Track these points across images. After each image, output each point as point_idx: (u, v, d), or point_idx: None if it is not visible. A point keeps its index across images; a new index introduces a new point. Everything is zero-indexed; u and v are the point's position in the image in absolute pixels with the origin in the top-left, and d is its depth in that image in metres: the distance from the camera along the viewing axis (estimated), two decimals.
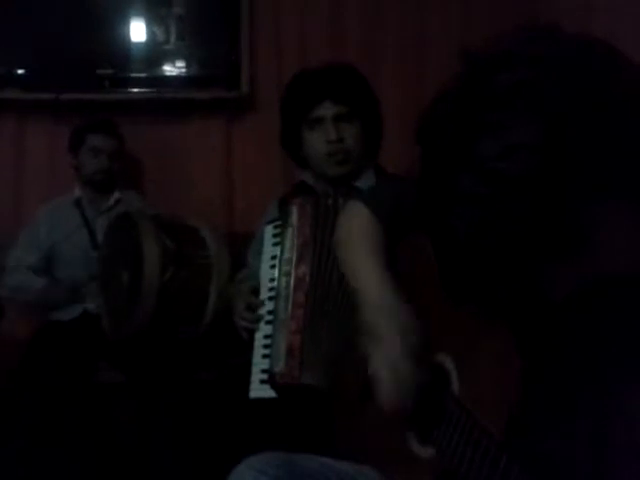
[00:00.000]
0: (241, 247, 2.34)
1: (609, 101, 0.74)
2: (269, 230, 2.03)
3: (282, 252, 1.93)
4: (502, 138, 0.73)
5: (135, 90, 3.13)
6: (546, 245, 0.75)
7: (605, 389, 0.77)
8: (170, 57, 3.13)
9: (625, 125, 0.74)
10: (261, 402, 1.89)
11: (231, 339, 2.14)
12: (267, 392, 1.86)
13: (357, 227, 1.25)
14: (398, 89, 3.22)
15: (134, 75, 3.12)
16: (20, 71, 3.07)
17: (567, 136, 0.72)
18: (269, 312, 1.94)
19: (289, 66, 2.91)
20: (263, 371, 1.89)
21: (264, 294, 1.98)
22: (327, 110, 2.06)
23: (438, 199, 0.80)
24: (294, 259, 1.90)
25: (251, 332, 2.01)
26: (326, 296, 1.83)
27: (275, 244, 1.98)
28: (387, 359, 1.05)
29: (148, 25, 3.12)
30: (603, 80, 0.75)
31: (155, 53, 3.13)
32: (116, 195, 2.96)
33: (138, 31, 3.11)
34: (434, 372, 1.05)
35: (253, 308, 2.00)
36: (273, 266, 1.96)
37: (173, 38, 3.12)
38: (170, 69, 3.14)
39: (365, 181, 2.11)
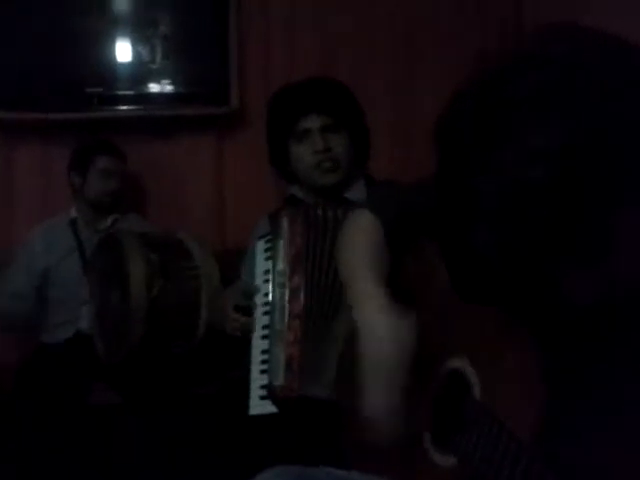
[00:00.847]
0: (233, 264, 2.32)
1: (631, 103, 0.72)
2: (261, 245, 2.02)
3: (275, 265, 1.92)
4: (523, 143, 0.72)
5: (124, 108, 3.11)
6: (567, 252, 0.74)
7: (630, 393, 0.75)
8: (156, 76, 3.12)
9: None
10: (263, 417, 1.86)
11: (229, 352, 2.12)
12: (267, 408, 1.84)
13: (361, 235, 1.22)
14: (390, 103, 3.21)
15: (121, 93, 3.10)
16: (7, 91, 3.04)
17: (589, 141, 0.70)
18: (265, 327, 1.92)
19: (279, 80, 2.89)
20: (262, 387, 1.86)
21: (259, 309, 1.96)
22: (313, 122, 2.08)
23: (456, 206, 0.78)
24: (287, 270, 1.88)
25: (245, 332, 1.98)
26: (323, 306, 1.82)
27: (267, 258, 1.97)
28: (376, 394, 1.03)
29: (134, 45, 3.10)
30: (626, 83, 0.73)
31: (141, 73, 3.12)
32: (114, 215, 2.90)
33: (124, 51, 3.10)
34: (453, 377, 1.02)
35: (247, 295, 1.99)
36: (267, 280, 1.94)
37: (159, 57, 3.11)
38: (157, 87, 3.12)
39: (355, 192, 2.12)
